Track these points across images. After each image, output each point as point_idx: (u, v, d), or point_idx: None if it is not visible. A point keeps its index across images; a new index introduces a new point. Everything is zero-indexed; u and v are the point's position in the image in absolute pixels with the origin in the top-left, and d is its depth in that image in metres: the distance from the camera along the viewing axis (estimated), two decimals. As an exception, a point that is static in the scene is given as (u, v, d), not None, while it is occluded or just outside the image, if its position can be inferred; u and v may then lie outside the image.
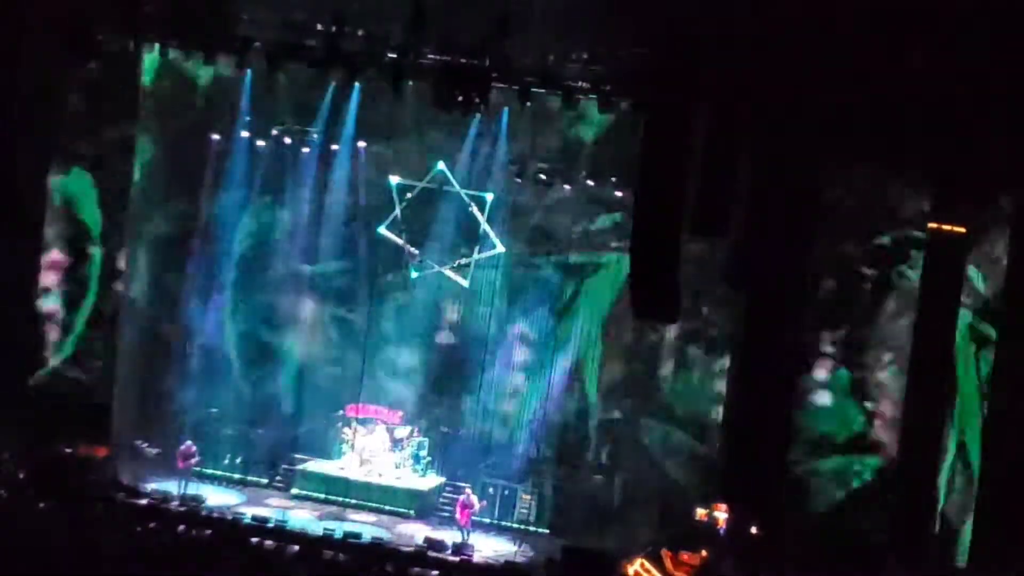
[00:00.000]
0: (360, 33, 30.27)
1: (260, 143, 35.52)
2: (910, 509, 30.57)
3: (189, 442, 33.47)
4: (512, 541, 32.41)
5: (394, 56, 30.31)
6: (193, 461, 33.16)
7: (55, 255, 35.05)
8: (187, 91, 35.09)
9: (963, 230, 30.00)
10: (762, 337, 31.48)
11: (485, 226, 35.62)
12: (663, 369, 35.08)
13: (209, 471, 34.48)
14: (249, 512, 31.91)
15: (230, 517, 31.22)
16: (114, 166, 34.71)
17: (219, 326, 36.41)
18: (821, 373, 31.86)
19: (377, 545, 30.45)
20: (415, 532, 32.27)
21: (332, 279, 37.03)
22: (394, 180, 36.03)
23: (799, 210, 29.88)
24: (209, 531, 29.01)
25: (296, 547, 28.80)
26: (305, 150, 35.66)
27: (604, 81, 29.90)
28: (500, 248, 35.71)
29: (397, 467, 34.71)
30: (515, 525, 33.43)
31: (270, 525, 30.88)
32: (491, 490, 33.86)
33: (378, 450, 34.84)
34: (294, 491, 34.38)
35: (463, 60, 29.64)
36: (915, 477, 30.57)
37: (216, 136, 35.47)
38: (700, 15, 26.30)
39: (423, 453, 35.16)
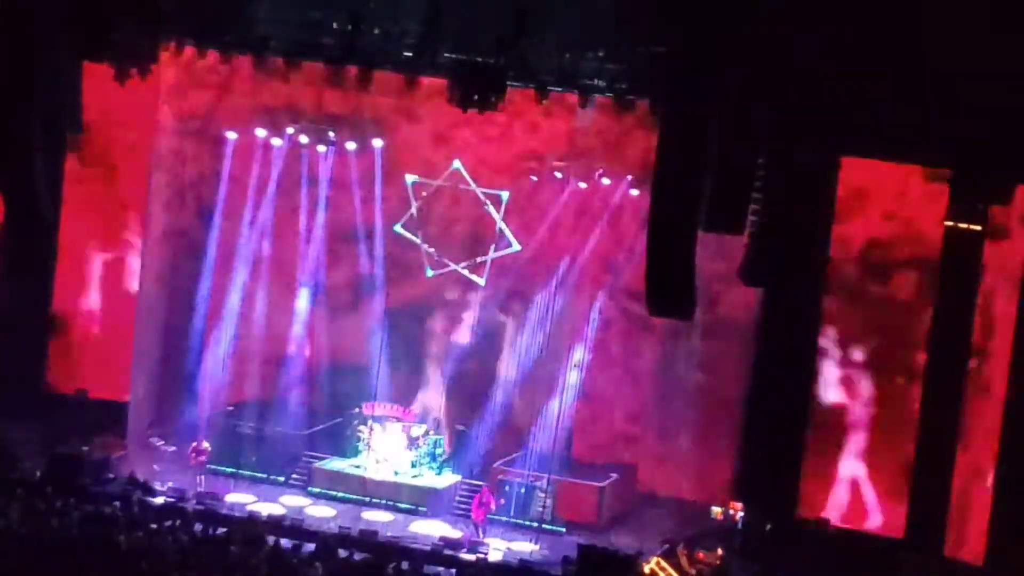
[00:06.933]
0: (376, 31, 30.27)
1: (276, 141, 35.57)
2: (925, 505, 30.54)
3: (200, 437, 33.66)
4: (528, 539, 32.36)
5: (410, 54, 30.30)
6: (203, 458, 33.25)
7: (72, 254, 35.10)
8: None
9: (979, 228, 29.95)
10: (778, 334, 31.49)
11: (501, 224, 35.64)
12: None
13: (226, 469, 34.46)
14: (265, 510, 31.96)
15: (246, 515, 31.27)
16: (129, 164, 34.75)
17: (235, 324, 36.41)
18: (836, 370, 31.79)
19: (393, 543, 30.43)
20: (431, 530, 32.26)
21: (348, 277, 37.06)
22: (410, 178, 36.07)
23: (815, 206, 29.86)
24: (225, 529, 29.10)
25: (312, 545, 28.89)
26: (321, 148, 35.68)
27: (620, 79, 29.86)
28: (516, 246, 35.71)
29: (414, 465, 34.69)
30: (531, 523, 33.35)
31: (286, 523, 30.95)
32: (507, 488, 33.81)
33: (394, 448, 34.81)
34: (310, 489, 34.39)
35: (479, 58, 29.61)
36: (930, 473, 30.52)
37: (232, 133, 35.57)
38: (716, 13, 26.32)
39: (439, 451, 35.15)
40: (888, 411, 31.55)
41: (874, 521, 31.52)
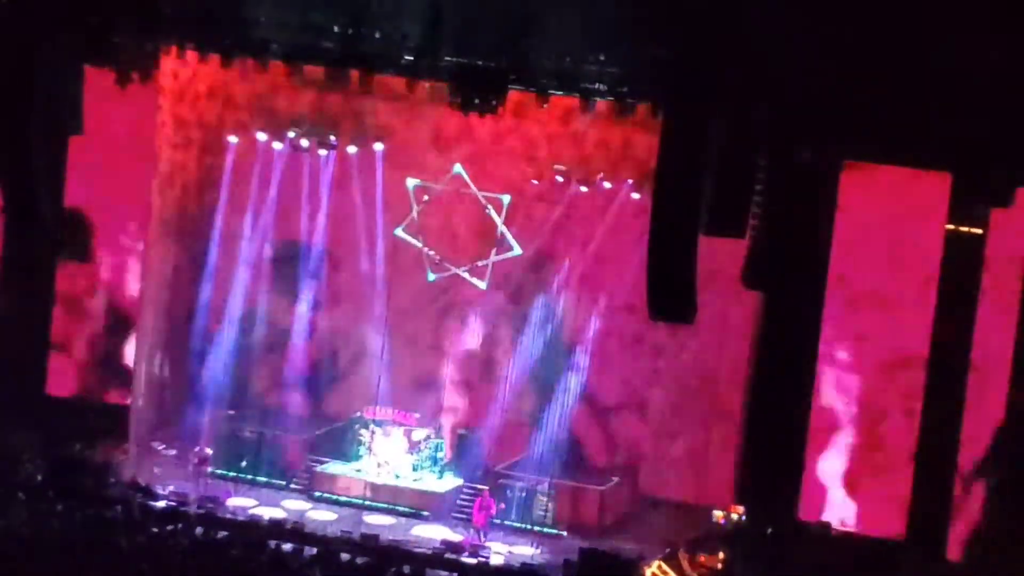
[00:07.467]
0: (377, 35, 30.28)
1: (277, 145, 35.58)
2: (925, 506, 30.52)
3: (202, 444, 33.66)
4: (530, 543, 32.33)
5: (411, 58, 30.31)
6: (205, 467, 33.24)
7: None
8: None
9: (980, 231, 29.93)
10: (779, 336, 31.45)
11: (502, 227, 35.62)
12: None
13: (227, 473, 34.43)
14: (267, 514, 31.96)
15: (248, 519, 31.27)
16: (130, 168, 34.69)
17: (236, 329, 36.42)
18: (837, 373, 31.74)
19: (394, 547, 30.43)
20: (432, 534, 32.25)
21: (349, 282, 37.05)
22: (411, 181, 36.07)
23: (816, 207, 29.86)
24: (227, 533, 29.10)
25: (314, 549, 28.91)
26: (322, 152, 35.67)
27: (622, 83, 29.85)
28: (517, 250, 35.70)
29: (415, 469, 34.68)
30: (533, 527, 33.33)
31: (288, 527, 30.94)
32: (509, 492, 33.78)
33: (395, 452, 34.79)
34: (312, 493, 34.36)
35: (480, 62, 29.64)
36: (930, 474, 30.50)
37: (233, 137, 35.63)
38: (716, 15, 26.32)
39: (440, 455, 35.13)
40: (889, 413, 31.47)
41: (873, 523, 31.44)
